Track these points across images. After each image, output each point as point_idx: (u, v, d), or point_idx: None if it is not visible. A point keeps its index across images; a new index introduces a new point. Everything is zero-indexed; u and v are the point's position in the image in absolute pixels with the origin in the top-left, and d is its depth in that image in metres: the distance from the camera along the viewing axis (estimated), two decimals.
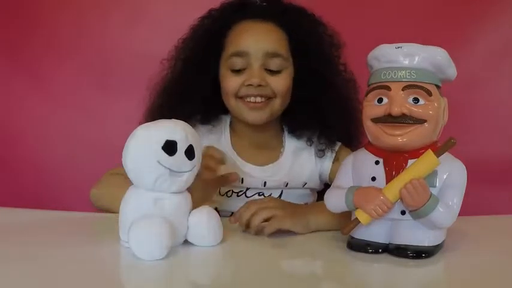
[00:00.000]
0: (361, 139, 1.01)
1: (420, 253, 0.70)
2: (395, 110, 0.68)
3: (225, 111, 1.03)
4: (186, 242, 0.75)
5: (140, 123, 0.75)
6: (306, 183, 1.03)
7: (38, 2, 1.39)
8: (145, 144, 0.70)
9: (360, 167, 0.75)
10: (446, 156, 0.69)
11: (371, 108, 0.72)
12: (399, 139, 0.69)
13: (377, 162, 0.72)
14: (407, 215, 0.69)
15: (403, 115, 0.69)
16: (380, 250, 0.72)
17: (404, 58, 0.70)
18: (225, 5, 1.03)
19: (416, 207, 0.67)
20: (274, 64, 0.96)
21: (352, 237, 0.74)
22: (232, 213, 0.99)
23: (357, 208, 0.70)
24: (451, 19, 1.34)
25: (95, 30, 1.39)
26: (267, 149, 1.05)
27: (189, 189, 0.76)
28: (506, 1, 1.34)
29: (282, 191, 1.03)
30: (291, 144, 1.05)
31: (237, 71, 0.96)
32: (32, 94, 1.40)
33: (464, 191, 0.70)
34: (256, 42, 0.95)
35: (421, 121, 0.69)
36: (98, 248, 0.74)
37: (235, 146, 1.05)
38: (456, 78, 0.74)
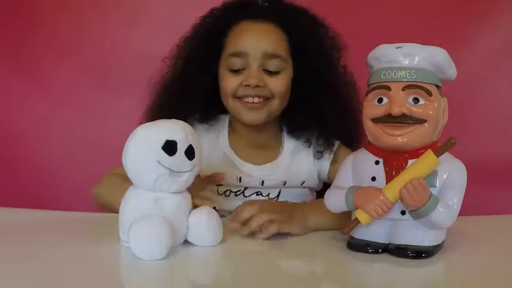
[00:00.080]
0: (361, 140, 1.01)
1: (420, 253, 0.70)
2: (395, 110, 0.68)
3: (225, 110, 1.03)
4: (186, 242, 0.75)
5: (140, 123, 0.75)
6: (304, 182, 1.03)
7: (38, 2, 1.39)
8: (145, 144, 0.70)
9: (360, 167, 0.75)
10: (446, 156, 0.69)
11: (371, 108, 0.72)
12: (399, 139, 0.69)
13: (377, 162, 0.72)
14: (407, 215, 0.69)
15: (403, 115, 0.69)
16: (380, 250, 0.72)
17: (404, 58, 0.70)
18: (227, 5, 1.03)
19: (416, 207, 0.67)
20: (272, 65, 0.96)
21: (352, 237, 0.74)
22: (230, 212, 0.99)
23: (357, 208, 0.70)
24: (451, 19, 1.34)
25: (95, 30, 1.39)
26: (266, 149, 1.05)
27: (189, 189, 0.76)
28: (506, 1, 1.34)
29: (280, 190, 1.03)
30: (289, 144, 1.05)
31: (236, 71, 0.96)
32: (32, 94, 1.40)
33: (464, 191, 0.70)
34: (255, 43, 0.95)
35: (421, 121, 0.69)
36: (98, 248, 0.74)
37: (233, 145, 1.05)
38: (456, 78, 0.74)
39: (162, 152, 0.69)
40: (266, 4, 1.02)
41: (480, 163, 1.25)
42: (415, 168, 0.68)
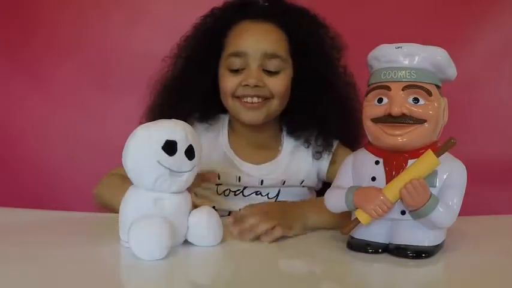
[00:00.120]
0: (361, 140, 1.01)
1: (420, 253, 0.70)
2: (395, 110, 0.68)
3: (224, 110, 1.03)
4: (186, 242, 0.75)
5: (141, 122, 0.75)
6: (303, 181, 1.03)
7: (38, 2, 1.39)
8: (145, 144, 0.70)
9: (360, 167, 0.75)
10: (446, 156, 0.69)
11: (371, 108, 0.72)
12: (399, 139, 0.69)
13: (377, 162, 0.72)
14: (407, 215, 0.69)
15: (403, 115, 0.69)
16: (380, 250, 0.72)
17: (404, 58, 0.70)
18: (227, 4, 1.04)
19: (416, 207, 0.67)
20: (272, 65, 0.96)
21: (352, 237, 0.74)
22: (230, 212, 0.99)
23: (357, 208, 0.70)
24: (451, 19, 1.34)
25: (95, 30, 1.39)
26: (265, 149, 1.05)
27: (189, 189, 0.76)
28: (506, 1, 1.34)
29: (280, 190, 1.03)
30: (289, 144, 1.05)
31: (235, 71, 0.97)
32: (32, 94, 1.40)
33: (464, 191, 0.70)
34: (255, 43, 0.95)
35: (421, 121, 0.69)
36: (98, 248, 0.74)
37: (233, 144, 1.05)
38: (456, 78, 0.74)
39: (162, 152, 0.69)
40: (266, 4, 1.02)
41: (480, 163, 1.25)
42: (415, 168, 0.68)
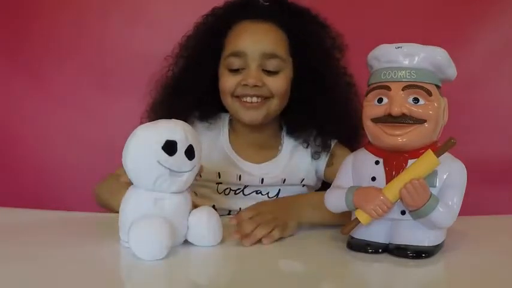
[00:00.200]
0: (361, 140, 1.01)
1: (420, 253, 0.70)
2: (395, 110, 0.68)
3: (225, 109, 1.04)
4: (186, 242, 0.75)
5: (142, 121, 0.75)
6: (303, 179, 1.04)
7: (38, 2, 1.39)
8: (145, 144, 0.70)
9: (360, 167, 0.75)
10: (446, 156, 0.69)
11: (371, 108, 0.72)
12: (399, 139, 0.69)
13: (377, 162, 0.72)
14: (407, 215, 0.69)
15: (403, 115, 0.69)
16: (380, 250, 0.72)
17: (404, 58, 0.70)
18: (228, 4, 1.04)
19: (417, 207, 0.67)
20: (271, 65, 0.96)
21: (352, 237, 0.74)
22: (230, 211, 0.99)
23: (357, 208, 0.70)
24: (451, 19, 1.34)
25: (95, 30, 1.39)
26: (265, 148, 1.05)
27: (189, 189, 0.76)
28: (506, 1, 1.34)
29: (280, 189, 1.03)
30: (289, 143, 1.05)
31: (235, 71, 0.97)
32: (32, 94, 1.40)
33: (464, 191, 0.70)
34: (254, 43, 0.95)
35: (421, 121, 0.69)
36: (98, 248, 0.74)
37: (234, 144, 1.05)
38: (456, 78, 0.74)
39: (162, 152, 0.69)
40: (267, 4, 1.02)
41: (480, 163, 1.25)
42: (415, 168, 0.68)
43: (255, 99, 0.96)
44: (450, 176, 0.69)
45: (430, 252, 0.70)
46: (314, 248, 0.78)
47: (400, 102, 0.69)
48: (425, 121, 0.69)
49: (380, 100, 0.71)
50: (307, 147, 1.04)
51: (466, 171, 0.71)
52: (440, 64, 0.71)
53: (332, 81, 1.01)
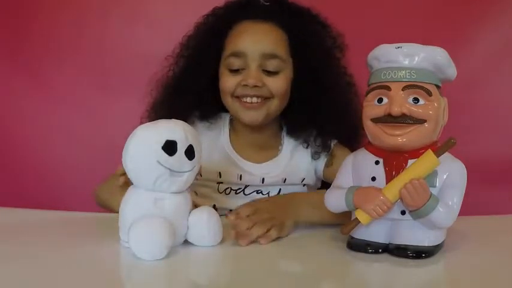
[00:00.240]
0: (360, 140, 1.01)
1: (420, 253, 0.70)
2: (395, 110, 0.68)
3: (226, 109, 1.04)
4: (186, 242, 0.75)
5: (141, 121, 0.75)
6: (304, 179, 1.04)
7: (38, 2, 1.40)
8: (145, 144, 0.70)
9: (360, 167, 0.75)
10: (446, 156, 0.69)
11: (371, 108, 0.72)
12: (399, 139, 0.69)
13: (377, 162, 0.72)
14: (407, 215, 0.69)
15: (403, 115, 0.69)
16: (380, 250, 0.72)
17: (404, 58, 0.70)
18: (229, 4, 1.04)
19: (417, 207, 0.67)
20: (271, 65, 0.96)
21: (352, 237, 0.74)
22: (230, 211, 0.99)
23: (357, 208, 0.70)
24: (451, 19, 1.34)
25: (95, 30, 1.39)
26: (266, 148, 1.05)
27: (189, 189, 0.76)
28: (506, 1, 1.34)
29: (281, 188, 1.03)
30: (289, 143, 1.05)
31: (235, 71, 0.97)
32: (32, 94, 1.40)
33: (464, 191, 0.70)
34: (254, 43, 0.95)
35: (421, 121, 0.69)
36: (98, 248, 0.74)
37: (234, 143, 1.05)
38: (456, 78, 0.74)
39: (162, 152, 0.69)
40: (267, 4, 1.02)
41: (480, 163, 1.25)
42: (415, 168, 0.68)
43: (255, 99, 0.96)
44: (450, 176, 0.69)
45: (430, 252, 0.70)
46: (314, 248, 0.78)
47: (400, 102, 0.69)
48: (425, 121, 0.69)
49: (380, 100, 0.71)
50: (307, 148, 1.04)
51: (466, 171, 0.71)
52: (440, 64, 0.71)
53: (332, 81, 1.01)
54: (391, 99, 0.69)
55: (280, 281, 0.64)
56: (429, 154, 0.68)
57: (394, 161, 0.71)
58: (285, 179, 1.02)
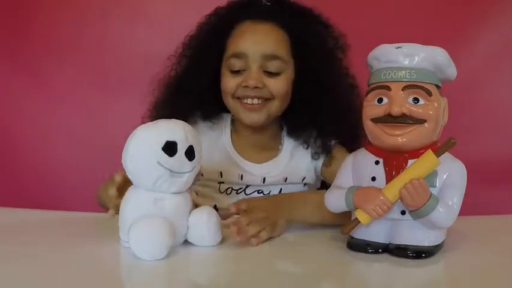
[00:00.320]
0: (361, 141, 1.01)
1: (420, 253, 0.70)
2: (395, 110, 0.68)
3: (228, 109, 1.04)
4: (186, 242, 0.75)
5: (143, 122, 0.75)
6: (304, 178, 1.04)
7: (38, 2, 1.40)
8: (145, 145, 0.70)
9: (360, 167, 0.75)
10: (446, 156, 0.69)
11: (371, 108, 0.72)
12: (399, 139, 0.69)
13: (377, 162, 0.72)
14: (407, 215, 0.69)
15: (403, 115, 0.69)
16: (380, 250, 0.72)
17: (404, 58, 0.70)
18: (231, 4, 1.04)
19: (417, 207, 0.67)
20: (272, 66, 0.96)
21: (352, 237, 0.74)
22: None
23: (357, 208, 0.70)
24: (451, 19, 1.34)
25: (95, 30, 1.39)
26: (266, 149, 1.05)
27: (189, 190, 0.76)
28: (506, 1, 1.34)
29: (281, 188, 1.03)
30: (289, 143, 1.05)
31: (236, 72, 0.97)
32: (32, 94, 1.40)
33: (464, 191, 0.70)
34: (255, 45, 0.95)
35: (421, 121, 0.69)
36: (98, 248, 0.74)
37: (236, 144, 1.05)
38: (456, 78, 0.74)
39: (162, 152, 0.69)
40: (269, 4, 1.02)
41: (480, 163, 1.25)
42: (415, 168, 0.68)
43: (255, 100, 0.96)
44: (450, 176, 0.69)
45: (430, 252, 0.70)
46: (314, 248, 0.78)
47: (400, 102, 0.69)
48: (425, 121, 0.69)
49: (380, 100, 0.71)
50: (307, 148, 1.04)
51: (466, 171, 0.71)
52: (440, 64, 0.71)
53: (334, 82, 1.00)
54: (391, 99, 0.69)
55: (280, 281, 0.64)
56: (429, 154, 0.68)
57: (394, 161, 0.71)
58: (286, 178, 1.02)
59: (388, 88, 0.70)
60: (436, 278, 0.68)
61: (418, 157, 0.69)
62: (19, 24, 1.39)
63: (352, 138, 1.02)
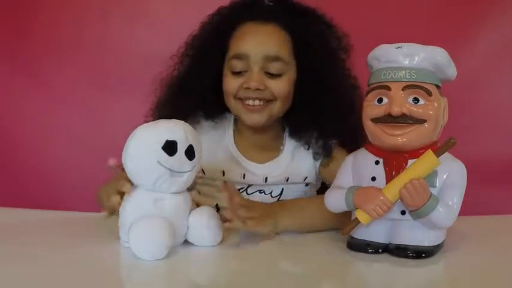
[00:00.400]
0: (361, 142, 1.00)
1: (420, 253, 0.70)
2: (395, 110, 0.68)
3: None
4: (186, 242, 0.75)
5: (145, 121, 0.75)
6: (306, 177, 1.04)
7: (38, 2, 1.39)
8: (145, 145, 0.70)
9: (360, 167, 0.75)
10: (446, 156, 0.69)
11: (371, 108, 0.72)
12: (399, 139, 0.69)
13: (377, 162, 0.72)
14: (407, 215, 0.69)
15: (403, 115, 0.69)
16: (380, 250, 0.72)
17: (404, 58, 0.70)
18: (234, 4, 1.03)
19: (417, 207, 0.67)
20: (274, 68, 0.95)
21: (352, 237, 0.74)
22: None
23: (357, 208, 0.70)
24: (451, 19, 1.34)
25: (95, 30, 1.39)
26: (268, 149, 1.05)
27: (189, 189, 0.76)
28: (506, 1, 1.34)
29: (283, 188, 1.03)
30: (290, 144, 1.05)
31: (238, 73, 0.96)
32: (32, 94, 1.40)
33: (464, 191, 0.70)
34: (256, 46, 0.95)
35: (421, 121, 0.69)
36: (98, 248, 0.74)
37: (238, 143, 1.05)
38: (456, 78, 0.74)
39: (162, 152, 0.69)
40: (271, 4, 1.02)
41: (480, 163, 1.24)
42: (415, 168, 0.68)
43: (257, 102, 0.96)
44: (450, 176, 0.69)
45: (430, 252, 0.70)
46: (314, 248, 0.78)
47: (400, 102, 0.69)
48: (425, 121, 0.69)
49: (380, 100, 0.71)
50: (308, 149, 1.04)
51: (466, 171, 0.71)
52: (440, 64, 0.71)
53: (336, 83, 1.00)
54: (391, 99, 0.69)
55: (280, 281, 0.64)
56: (429, 154, 0.68)
57: (394, 161, 0.71)
58: (288, 178, 1.02)
59: (388, 88, 0.70)
60: (436, 278, 0.68)
61: (418, 157, 0.69)
62: (19, 24, 1.39)
63: (352, 139, 1.02)
